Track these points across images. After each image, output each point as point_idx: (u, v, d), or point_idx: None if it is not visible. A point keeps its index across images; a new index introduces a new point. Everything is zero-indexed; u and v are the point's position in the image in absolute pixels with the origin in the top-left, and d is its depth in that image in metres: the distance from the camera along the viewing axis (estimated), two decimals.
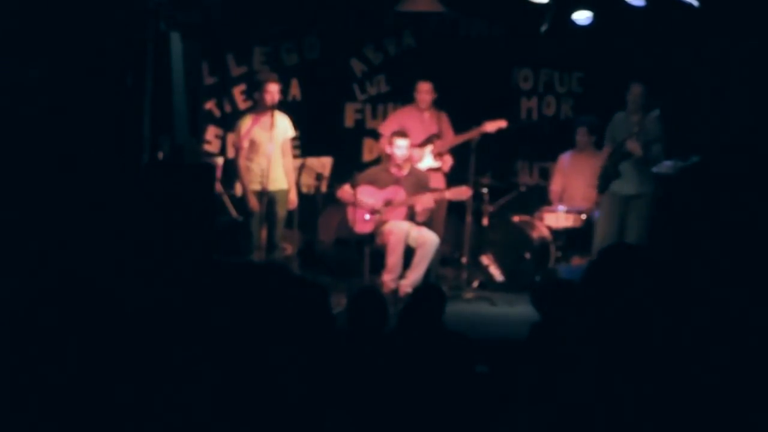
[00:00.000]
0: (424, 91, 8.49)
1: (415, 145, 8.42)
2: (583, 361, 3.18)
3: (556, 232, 8.55)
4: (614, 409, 3.06)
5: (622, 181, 7.75)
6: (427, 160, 8.53)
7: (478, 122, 8.50)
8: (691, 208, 7.43)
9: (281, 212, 7.86)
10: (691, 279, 3.57)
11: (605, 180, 7.81)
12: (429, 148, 8.54)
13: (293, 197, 7.97)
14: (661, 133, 7.66)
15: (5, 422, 3.95)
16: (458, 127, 8.64)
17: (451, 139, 8.57)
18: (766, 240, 6.35)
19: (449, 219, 8.71)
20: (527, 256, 8.50)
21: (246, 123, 7.82)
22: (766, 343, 3.27)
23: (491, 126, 8.40)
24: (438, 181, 8.50)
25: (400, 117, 8.61)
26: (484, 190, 8.53)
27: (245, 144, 7.79)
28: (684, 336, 3.19)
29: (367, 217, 7.96)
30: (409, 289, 7.53)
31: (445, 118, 8.63)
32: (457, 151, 8.62)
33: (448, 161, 8.56)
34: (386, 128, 8.51)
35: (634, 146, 7.62)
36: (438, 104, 8.59)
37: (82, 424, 3.92)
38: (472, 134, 8.39)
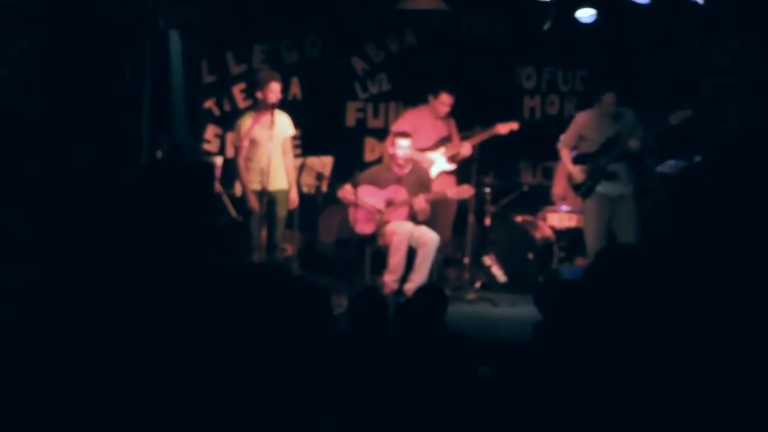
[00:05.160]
0: (447, 103, 8.43)
1: (426, 149, 8.38)
2: (585, 362, 3.15)
3: (559, 233, 8.51)
4: (616, 410, 3.02)
5: (613, 182, 7.72)
6: (439, 164, 8.48)
7: (481, 121, 8.46)
8: (693, 207, 7.40)
9: (282, 212, 7.82)
10: (692, 279, 3.54)
11: (592, 183, 7.74)
12: (441, 151, 8.49)
13: (294, 196, 7.93)
14: (637, 123, 7.68)
15: (7, 421, 3.93)
16: (461, 126, 8.59)
17: (459, 143, 8.50)
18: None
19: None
20: (530, 256, 8.46)
21: (246, 122, 7.78)
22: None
23: (503, 128, 8.40)
24: (449, 184, 8.44)
25: (412, 118, 8.54)
26: (487, 190, 8.49)
27: (245, 143, 7.74)
28: (685, 336, 3.16)
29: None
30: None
31: (453, 124, 8.58)
32: None
33: (467, 149, 8.44)
34: (398, 129, 8.45)
35: (635, 145, 7.62)
36: None
37: (82, 424, 3.90)
38: (484, 136, 8.37)
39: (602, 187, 7.75)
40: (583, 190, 7.83)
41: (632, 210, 7.73)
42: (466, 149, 8.41)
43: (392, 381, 4.10)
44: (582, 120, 7.90)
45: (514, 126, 8.44)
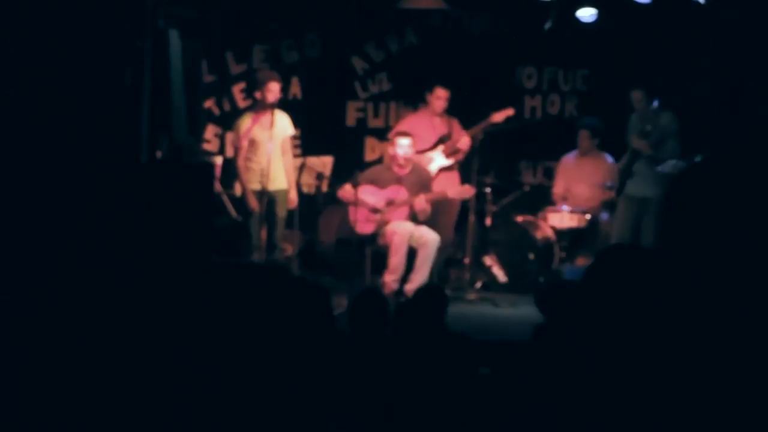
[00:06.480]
0: (443, 97, 8.41)
1: (426, 150, 8.36)
2: (585, 363, 3.14)
3: (560, 233, 8.49)
4: (617, 410, 3.01)
5: (635, 182, 7.70)
6: (438, 161, 8.46)
7: (481, 121, 8.43)
8: (693, 208, 7.38)
9: (281, 212, 7.81)
10: (694, 279, 3.52)
11: (620, 182, 7.78)
12: (439, 147, 8.47)
13: (293, 196, 7.92)
14: (675, 127, 7.61)
15: (8, 422, 3.92)
16: (462, 126, 8.57)
17: (458, 139, 8.48)
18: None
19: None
20: (531, 256, 8.44)
21: (245, 122, 7.77)
22: None
23: (499, 116, 8.36)
24: (452, 179, 8.42)
25: (411, 122, 8.53)
26: (488, 190, 8.47)
27: (245, 143, 7.73)
28: (687, 337, 3.15)
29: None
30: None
31: (456, 124, 8.54)
32: None
33: (466, 142, 8.43)
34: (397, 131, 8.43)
35: (639, 144, 7.58)
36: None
37: (82, 424, 3.89)
38: (481, 127, 8.35)
39: (627, 187, 7.77)
40: (615, 189, 7.89)
41: (656, 212, 7.67)
42: (464, 142, 8.38)
43: (392, 381, 4.08)
44: (632, 119, 7.91)
45: (509, 112, 8.39)
